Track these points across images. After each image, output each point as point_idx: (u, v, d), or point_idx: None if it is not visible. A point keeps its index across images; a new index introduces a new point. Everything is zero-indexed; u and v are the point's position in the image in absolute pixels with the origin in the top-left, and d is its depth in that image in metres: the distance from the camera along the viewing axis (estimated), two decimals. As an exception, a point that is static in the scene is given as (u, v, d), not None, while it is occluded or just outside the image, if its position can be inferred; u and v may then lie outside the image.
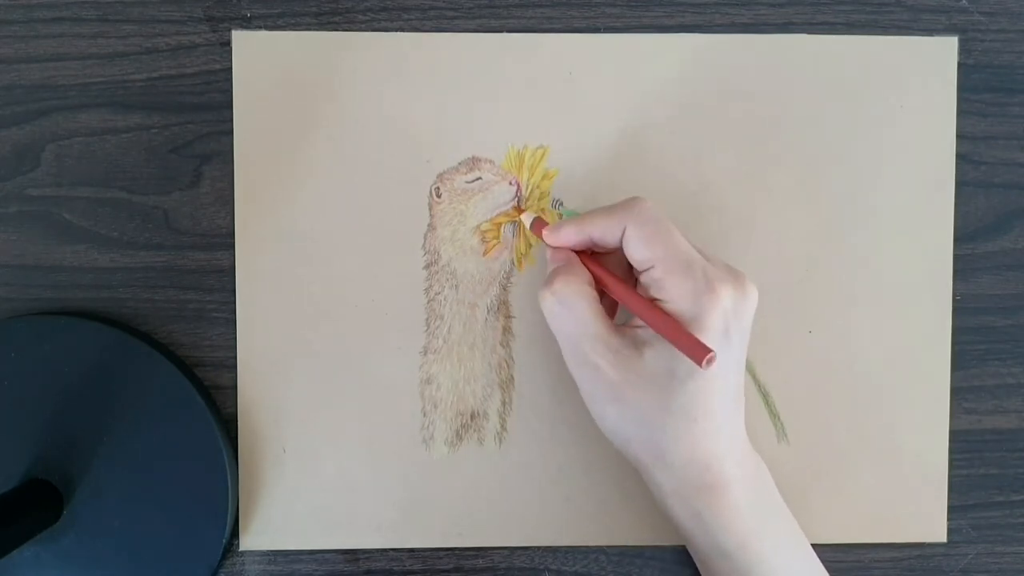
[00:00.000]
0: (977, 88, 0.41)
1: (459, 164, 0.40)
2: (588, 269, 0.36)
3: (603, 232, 0.35)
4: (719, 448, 0.34)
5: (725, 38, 0.40)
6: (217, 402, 0.40)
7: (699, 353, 0.32)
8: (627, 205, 0.35)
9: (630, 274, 0.37)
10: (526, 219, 0.39)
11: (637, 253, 0.35)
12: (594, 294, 0.35)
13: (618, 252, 0.36)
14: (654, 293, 0.34)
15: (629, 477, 0.40)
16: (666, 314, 0.34)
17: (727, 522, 0.35)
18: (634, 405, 0.34)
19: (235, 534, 0.40)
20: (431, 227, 0.40)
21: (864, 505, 0.41)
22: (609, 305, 0.37)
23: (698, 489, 0.35)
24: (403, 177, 0.40)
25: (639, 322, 0.35)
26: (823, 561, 0.37)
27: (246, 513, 0.40)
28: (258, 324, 0.40)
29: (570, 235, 0.36)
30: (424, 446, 0.40)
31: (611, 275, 0.36)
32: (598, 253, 0.37)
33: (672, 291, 0.34)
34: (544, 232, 0.37)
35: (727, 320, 0.34)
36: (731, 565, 0.35)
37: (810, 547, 0.37)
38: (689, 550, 0.38)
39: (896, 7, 0.41)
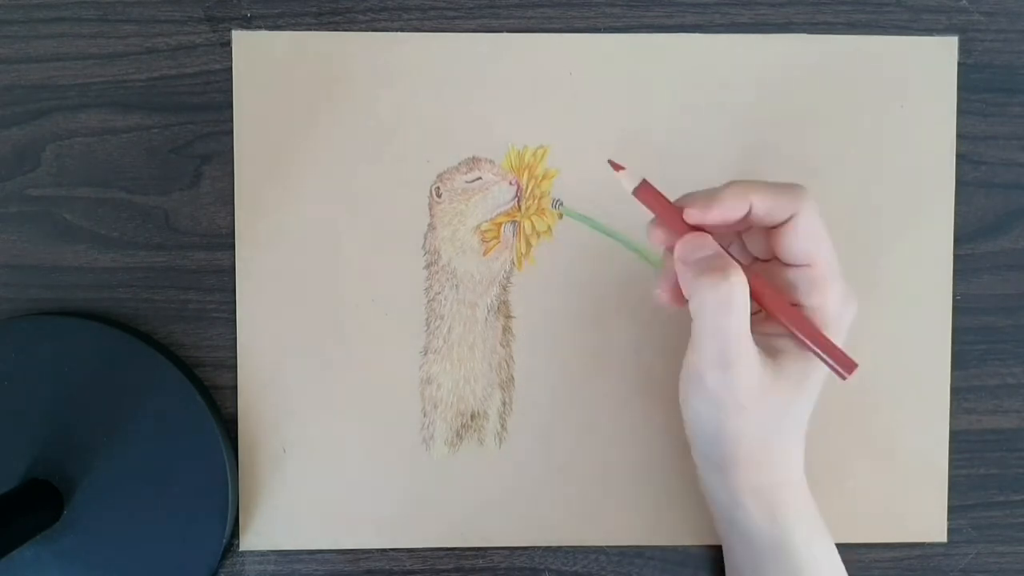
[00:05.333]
0: (977, 88, 0.41)
1: (459, 164, 0.40)
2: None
3: (770, 207, 0.32)
4: (800, 449, 0.35)
5: (725, 38, 0.40)
6: (217, 402, 0.40)
7: (848, 365, 0.32)
8: (801, 192, 0.32)
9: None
10: (628, 183, 0.33)
11: (804, 244, 0.32)
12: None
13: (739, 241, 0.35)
14: (802, 291, 0.33)
15: (628, 477, 0.40)
16: (814, 324, 0.33)
17: (798, 516, 0.35)
18: (759, 411, 0.33)
19: (235, 534, 0.40)
20: (431, 227, 0.40)
21: (864, 505, 0.41)
22: None
23: (778, 486, 0.35)
24: (403, 177, 0.40)
25: (768, 329, 0.34)
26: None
27: (246, 513, 0.40)
28: (258, 324, 0.40)
29: (733, 200, 0.32)
30: (424, 446, 0.40)
31: (758, 276, 0.33)
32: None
33: (824, 294, 0.33)
34: (692, 208, 0.32)
35: (849, 331, 0.34)
36: (793, 563, 0.35)
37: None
38: (740, 551, 0.37)
39: (896, 7, 0.41)
